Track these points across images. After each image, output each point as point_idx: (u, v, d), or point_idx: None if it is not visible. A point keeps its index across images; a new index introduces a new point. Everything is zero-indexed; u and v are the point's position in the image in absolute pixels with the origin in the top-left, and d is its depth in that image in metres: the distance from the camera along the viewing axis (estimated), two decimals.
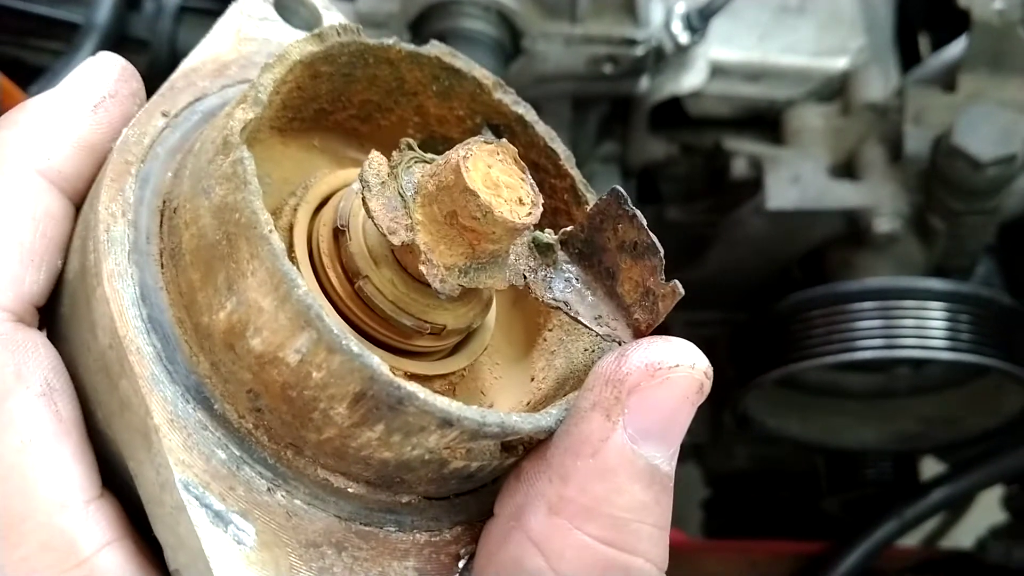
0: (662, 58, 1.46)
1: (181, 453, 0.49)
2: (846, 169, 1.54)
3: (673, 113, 1.59)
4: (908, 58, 1.64)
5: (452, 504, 0.54)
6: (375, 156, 0.53)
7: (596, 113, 1.57)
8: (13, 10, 1.41)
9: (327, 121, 0.60)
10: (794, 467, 1.85)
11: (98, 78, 0.58)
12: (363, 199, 0.51)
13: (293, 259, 0.53)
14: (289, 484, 0.50)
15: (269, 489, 0.50)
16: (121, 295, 0.51)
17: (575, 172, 0.60)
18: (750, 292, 1.65)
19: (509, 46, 1.39)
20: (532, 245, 0.56)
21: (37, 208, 0.54)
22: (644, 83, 1.47)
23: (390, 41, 0.58)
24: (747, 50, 1.54)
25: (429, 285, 0.52)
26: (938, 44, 1.65)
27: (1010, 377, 1.48)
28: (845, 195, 1.51)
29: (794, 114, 1.57)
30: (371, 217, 0.51)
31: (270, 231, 0.48)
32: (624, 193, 0.55)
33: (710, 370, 0.52)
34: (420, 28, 1.38)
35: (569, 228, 0.57)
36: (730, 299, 1.68)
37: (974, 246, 1.53)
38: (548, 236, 0.57)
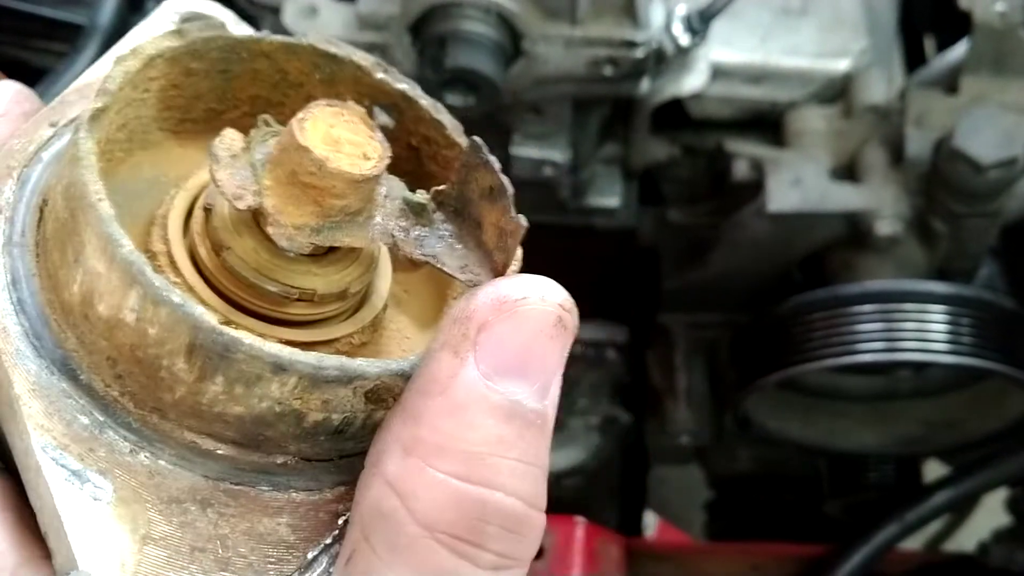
0: (663, 60, 1.45)
1: (41, 419, 0.51)
2: (847, 171, 1.53)
3: (675, 115, 1.58)
4: (913, 60, 1.64)
5: (336, 465, 0.55)
6: (227, 132, 0.54)
7: (597, 115, 1.57)
8: (16, 11, 1.41)
9: (219, 121, 0.61)
10: (796, 470, 1.85)
11: None
12: (211, 171, 0.53)
13: (166, 240, 0.55)
14: (154, 446, 0.52)
15: (132, 451, 0.51)
16: None
17: (463, 140, 0.60)
18: (751, 294, 1.65)
19: (509, 48, 1.39)
20: (405, 206, 0.57)
21: None
22: (645, 85, 1.47)
23: (260, 34, 0.59)
24: (748, 52, 1.54)
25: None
26: (944, 46, 1.65)
27: (1012, 381, 1.47)
28: (846, 198, 1.50)
29: (796, 116, 1.57)
30: (217, 186, 0.53)
31: (99, 199, 0.50)
32: (480, 142, 0.55)
33: (568, 302, 0.50)
34: (420, 30, 1.39)
35: (441, 187, 0.57)
36: (731, 301, 1.67)
37: (976, 249, 1.53)
38: (420, 196, 0.57)
